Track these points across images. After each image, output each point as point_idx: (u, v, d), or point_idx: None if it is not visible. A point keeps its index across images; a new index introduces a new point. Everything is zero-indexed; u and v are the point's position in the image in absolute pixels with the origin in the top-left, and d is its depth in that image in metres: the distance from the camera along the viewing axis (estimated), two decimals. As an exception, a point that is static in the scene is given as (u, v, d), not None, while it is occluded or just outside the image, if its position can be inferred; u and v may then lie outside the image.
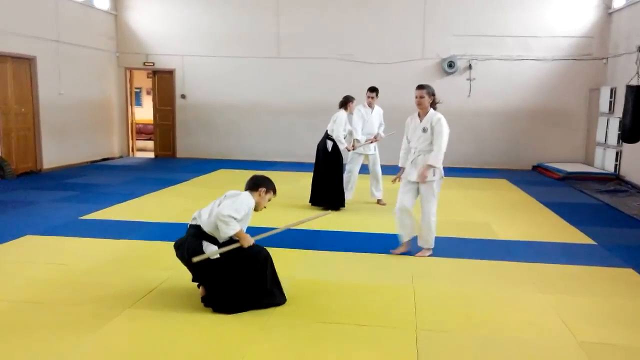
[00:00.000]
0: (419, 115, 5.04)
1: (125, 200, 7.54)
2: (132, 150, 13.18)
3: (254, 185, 3.85)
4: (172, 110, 12.78)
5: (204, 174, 10.33)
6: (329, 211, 5.22)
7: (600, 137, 11.26)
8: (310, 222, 6.27)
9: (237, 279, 3.66)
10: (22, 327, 3.43)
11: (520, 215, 7.19)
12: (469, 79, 12.21)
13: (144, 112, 14.59)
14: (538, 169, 12.03)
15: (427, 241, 5.09)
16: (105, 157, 12.25)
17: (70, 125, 10.97)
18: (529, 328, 3.57)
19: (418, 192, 5.06)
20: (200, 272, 3.69)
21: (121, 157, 12.84)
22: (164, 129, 12.94)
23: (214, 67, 12.50)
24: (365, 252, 5.25)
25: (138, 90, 15.37)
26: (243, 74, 12.47)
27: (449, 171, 11.41)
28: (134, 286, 4.13)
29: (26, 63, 9.86)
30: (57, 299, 3.90)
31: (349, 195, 7.58)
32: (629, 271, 4.82)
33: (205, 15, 12.44)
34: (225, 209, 3.58)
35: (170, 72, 12.66)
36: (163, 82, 12.80)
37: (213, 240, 3.65)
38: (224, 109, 12.63)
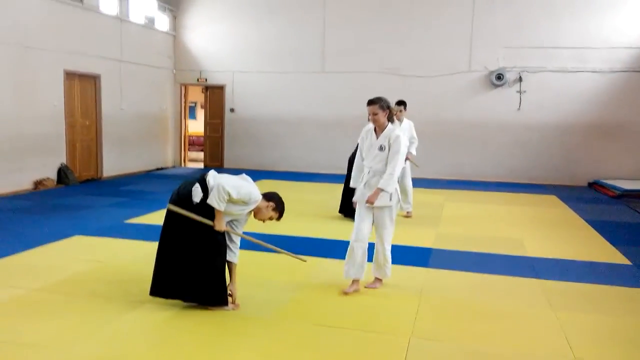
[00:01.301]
0: (375, 130, 4.41)
1: (169, 207, 7.98)
2: (184, 161, 13.91)
3: (270, 197, 3.92)
4: (221, 123, 13.40)
5: (248, 184, 10.71)
6: (307, 259, 4.51)
7: (662, 153, 10.66)
8: (328, 231, 6.49)
9: (190, 262, 3.75)
10: (47, 313, 3.81)
11: (557, 232, 6.97)
12: (519, 92, 11.93)
13: (198, 125, 15.32)
14: (594, 186, 11.52)
15: (384, 272, 4.48)
16: (160, 166, 13.00)
17: (128, 137, 11.75)
18: (527, 343, 3.53)
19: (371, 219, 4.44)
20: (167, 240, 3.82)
21: (174, 167, 13.57)
22: (213, 141, 13.58)
23: (261, 83, 12.97)
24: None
25: (193, 104, 16.19)
26: (289, 89, 12.85)
27: (496, 186, 11.40)
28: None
29: (92, 80, 10.71)
30: (86, 291, 4.29)
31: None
32: (657, 293, 4.61)
33: (254, 33, 12.97)
34: (229, 184, 3.66)
35: (221, 88, 13.29)
36: (214, 96, 13.46)
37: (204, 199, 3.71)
38: (270, 122, 13.06)
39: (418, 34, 12.26)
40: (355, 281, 4.39)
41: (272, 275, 4.85)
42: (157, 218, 7.14)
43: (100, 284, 4.45)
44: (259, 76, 13.03)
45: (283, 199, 3.97)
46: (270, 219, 3.96)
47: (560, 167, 11.91)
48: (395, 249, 5.82)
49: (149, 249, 5.51)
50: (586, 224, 7.54)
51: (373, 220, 4.41)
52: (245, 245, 5.78)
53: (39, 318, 3.74)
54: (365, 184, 4.39)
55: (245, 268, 5.05)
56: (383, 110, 4.31)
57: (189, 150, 14.52)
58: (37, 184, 9.21)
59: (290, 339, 3.50)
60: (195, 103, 16.31)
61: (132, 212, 7.55)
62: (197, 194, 3.75)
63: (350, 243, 4.38)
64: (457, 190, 10.57)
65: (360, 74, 12.32)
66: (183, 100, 13.69)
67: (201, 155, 14.23)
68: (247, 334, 3.57)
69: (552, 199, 9.83)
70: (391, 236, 4.44)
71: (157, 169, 12.82)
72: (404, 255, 5.63)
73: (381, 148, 4.31)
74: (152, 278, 3.88)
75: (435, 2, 12.16)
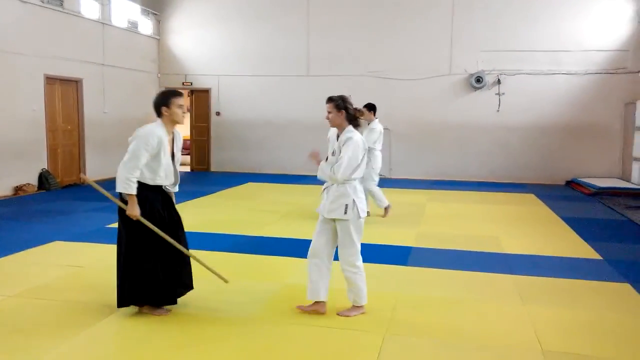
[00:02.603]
0: (338, 133, 3.94)
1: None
2: (170, 165, 13.86)
3: (156, 109, 3.76)
4: (207, 126, 13.46)
5: (233, 186, 10.80)
6: (229, 280, 4.22)
7: (637, 152, 10.94)
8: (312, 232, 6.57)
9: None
10: (21, 320, 3.84)
11: (533, 229, 7.16)
12: (498, 94, 12.17)
13: (184, 129, 15.28)
14: (571, 184, 11.79)
15: (356, 298, 3.90)
16: (144, 170, 12.96)
17: (112, 141, 11.71)
18: (497, 337, 3.66)
19: (335, 234, 3.91)
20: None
21: (159, 171, 13.54)
22: (199, 144, 13.63)
23: (247, 86, 13.07)
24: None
25: (179, 107, 16.18)
26: (274, 92, 12.95)
27: (477, 186, 11.61)
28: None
29: (73, 85, 10.70)
30: (63, 297, 4.29)
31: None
32: (625, 286, 4.77)
33: (239, 37, 13.08)
34: (128, 156, 3.57)
35: (207, 91, 13.37)
36: (200, 100, 13.53)
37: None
38: (256, 125, 13.14)
39: (400, 38, 12.45)
40: (316, 302, 3.92)
41: (250, 277, 4.93)
42: (139, 221, 7.20)
43: (77, 290, 4.45)
44: (244, 80, 13.11)
45: (166, 92, 3.88)
46: (181, 105, 3.80)
47: (538, 166, 12.16)
48: (375, 248, 6.00)
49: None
50: (561, 221, 7.74)
51: (332, 236, 3.92)
52: (226, 247, 5.91)
53: (11, 326, 3.73)
54: (324, 190, 3.96)
55: (222, 270, 5.14)
56: (338, 110, 3.83)
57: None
58: (17, 189, 9.18)
59: (265, 339, 3.57)
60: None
61: (114, 216, 7.45)
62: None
63: (308, 260, 3.95)
64: (440, 191, 10.75)
65: (344, 77, 12.47)
66: (167, 104, 13.67)
67: (187, 158, 14.23)
68: (222, 338, 3.60)
69: (530, 197, 10.05)
70: (354, 257, 3.83)
71: (141, 173, 12.80)
72: (383, 254, 5.77)
73: (333, 152, 3.86)
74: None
75: (417, 7, 12.37)
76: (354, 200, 3.78)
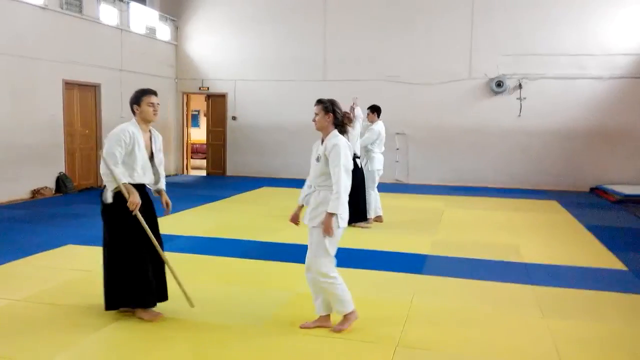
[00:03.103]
0: (322, 139, 3.75)
1: (164, 215, 7.98)
2: (187, 169, 13.94)
3: (130, 107, 3.81)
4: (223, 131, 13.46)
5: (247, 191, 10.73)
6: (195, 305, 3.99)
7: (664, 158, 10.58)
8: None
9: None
10: (27, 324, 3.79)
11: (555, 238, 6.91)
12: (519, 99, 11.90)
13: (201, 133, 15.39)
14: (596, 191, 11.44)
15: (340, 308, 3.65)
16: (162, 175, 13.01)
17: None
18: (514, 351, 3.48)
19: None
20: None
21: (176, 174, 13.61)
22: (215, 148, 13.64)
23: (263, 91, 13.02)
24: (369, 269, 5.30)
25: (197, 112, 16.25)
26: (290, 97, 12.88)
27: (497, 192, 11.35)
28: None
29: (92, 90, 10.78)
30: (70, 301, 4.24)
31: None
32: (651, 298, 4.54)
33: (255, 42, 13.05)
34: (106, 154, 3.61)
35: (223, 96, 13.37)
36: (216, 105, 13.53)
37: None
38: (271, 129, 13.08)
39: (418, 42, 12.28)
40: (320, 317, 3.76)
41: (260, 284, 4.82)
42: (152, 226, 7.16)
43: (85, 294, 4.40)
44: (260, 84, 13.08)
45: (138, 90, 3.87)
46: (151, 103, 3.79)
47: (562, 172, 11.84)
48: (389, 256, 5.86)
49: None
50: (585, 229, 7.47)
51: None
52: (237, 253, 5.81)
53: (18, 329, 3.69)
54: (305, 197, 3.82)
55: (233, 276, 5.06)
56: (326, 112, 3.65)
57: (192, 158, 14.62)
58: (35, 192, 9.25)
59: (271, 350, 3.45)
60: (199, 111, 16.39)
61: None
62: (106, 195, 3.73)
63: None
64: (458, 197, 10.53)
65: (361, 82, 12.32)
66: (185, 108, 13.77)
67: (204, 163, 14.29)
68: (227, 346, 3.51)
69: (553, 204, 9.77)
70: (328, 267, 3.59)
71: (158, 177, 12.85)
72: (397, 261, 5.62)
73: (317, 159, 3.65)
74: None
75: (436, 10, 12.19)
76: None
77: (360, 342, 3.56)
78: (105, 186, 3.72)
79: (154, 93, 3.87)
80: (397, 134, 12.47)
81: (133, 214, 3.65)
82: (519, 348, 3.52)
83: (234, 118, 13.36)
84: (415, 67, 12.34)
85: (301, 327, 3.72)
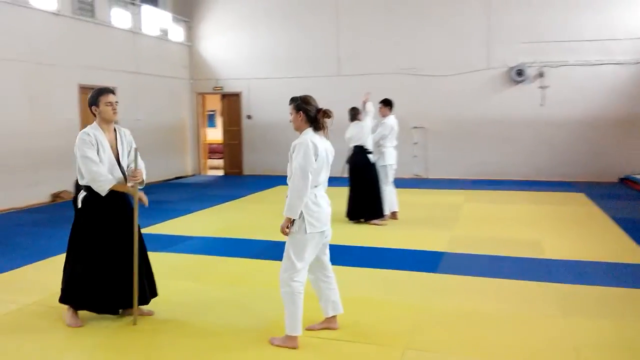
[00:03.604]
0: None
1: (180, 216, 7.97)
2: (204, 169, 13.93)
3: (89, 109, 3.76)
4: (239, 130, 13.40)
5: (263, 190, 10.65)
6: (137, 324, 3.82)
7: (697, 145, 10.09)
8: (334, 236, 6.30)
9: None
10: (37, 327, 3.76)
11: (580, 232, 6.61)
12: (541, 87, 11.51)
13: (218, 133, 15.37)
14: (625, 181, 11.00)
15: (286, 323, 3.34)
16: (179, 175, 13.06)
17: (146, 147, 11.72)
18: (531, 353, 3.27)
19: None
20: None
21: (193, 175, 13.62)
22: (232, 148, 13.59)
23: (277, 89, 12.87)
24: (381, 268, 5.13)
25: (213, 112, 16.24)
26: (304, 94, 12.70)
27: (520, 185, 11.00)
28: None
29: (107, 92, 10.81)
30: None
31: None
32: (682, 295, 4.26)
33: (268, 40, 12.95)
34: (81, 163, 3.62)
35: (237, 95, 13.31)
36: (231, 104, 13.48)
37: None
38: (286, 128, 12.71)
39: (433, 32, 12.00)
40: (326, 319, 3.62)
41: (273, 285, 4.69)
42: (165, 227, 7.13)
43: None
44: (274, 82, 12.97)
45: (95, 90, 3.79)
46: (109, 103, 3.72)
47: (588, 163, 11.41)
48: (404, 253, 5.69)
49: (153, 259, 5.47)
50: (613, 222, 7.14)
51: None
52: (252, 253, 5.71)
53: (27, 333, 3.68)
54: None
55: (247, 276, 4.95)
56: (297, 111, 3.44)
57: (210, 157, 14.62)
58: (55, 196, 9.34)
59: (283, 351, 3.33)
60: (215, 111, 16.38)
61: (145, 221, 7.44)
62: (78, 200, 3.74)
63: None
64: (478, 191, 10.25)
65: (377, 75, 12.11)
66: (200, 109, 13.76)
67: (220, 162, 14.27)
68: (236, 347, 3.42)
69: (579, 196, 9.40)
70: (288, 274, 3.33)
71: (176, 178, 12.89)
72: (411, 259, 5.45)
73: (290, 158, 3.38)
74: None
75: (449, -1, 11.89)
76: (301, 212, 3.29)
77: (369, 345, 3.41)
78: (78, 191, 3.73)
79: (112, 92, 3.80)
80: (415, 127, 12.21)
81: (146, 205, 3.80)
82: (536, 350, 3.32)
83: (249, 117, 13.29)
84: (432, 59, 12.06)
85: (307, 329, 3.56)
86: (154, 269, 4.04)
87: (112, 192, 3.67)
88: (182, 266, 5.31)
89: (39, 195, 9.14)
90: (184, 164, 13.46)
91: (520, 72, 11.50)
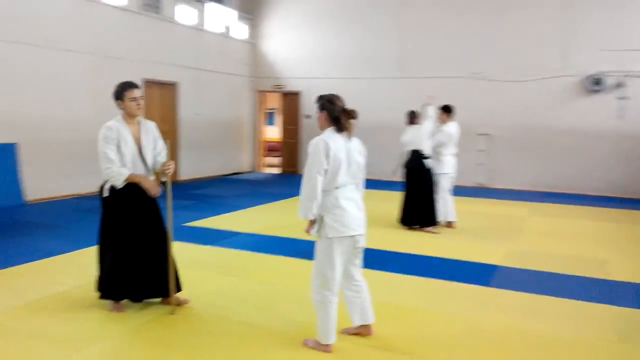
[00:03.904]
0: None
1: (230, 211, 8.00)
2: (261, 166, 14.03)
3: (115, 102, 3.77)
4: (297, 129, 13.38)
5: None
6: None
7: None
8: (382, 242, 6.05)
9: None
10: (80, 309, 3.83)
11: (654, 254, 5.99)
12: (621, 98, 10.66)
13: (274, 131, 15.49)
14: None
15: (318, 332, 3.24)
16: (235, 171, 13.22)
17: (205, 142, 12.05)
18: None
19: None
20: None
21: (250, 172, 13.74)
22: (289, 146, 13.61)
23: (336, 89, 12.35)
24: (427, 277, 4.87)
25: (273, 110, 16.36)
26: (365, 95, 12.48)
27: (591, 200, 10.23)
28: (187, 286, 4.25)
29: (170, 88, 11.13)
30: None
31: None
32: None
33: (330, 40, 12.85)
34: (100, 154, 3.69)
35: (297, 94, 13.31)
36: (290, 103, 13.51)
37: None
38: (345, 128, 12.75)
39: (505, 35, 11.44)
40: (357, 327, 3.46)
41: (304, 284, 4.53)
42: (214, 222, 7.16)
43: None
44: (334, 82, 12.80)
45: (120, 85, 3.81)
46: (134, 98, 3.73)
47: (669, 181, 10.45)
48: (454, 264, 5.37)
49: (195, 252, 5.49)
50: (696, 246, 6.43)
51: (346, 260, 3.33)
52: (295, 252, 5.60)
53: (70, 314, 3.80)
54: None
55: (286, 275, 4.83)
56: (320, 110, 3.34)
57: (268, 155, 14.71)
58: (115, 185, 9.65)
59: (313, 354, 3.20)
60: (275, 109, 16.50)
61: (195, 215, 7.60)
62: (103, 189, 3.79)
63: None
64: (546, 204, 9.63)
65: (441, 79, 11.69)
66: (260, 106, 13.87)
67: (278, 161, 14.32)
68: (264, 346, 3.32)
69: (657, 216, 8.59)
70: (317, 280, 3.22)
71: (233, 174, 13.05)
72: (462, 271, 5.14)
73: None
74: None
75: (524, 1, 11.28)
76: (321, 216, 3.18)
77: (400, 355, 3.21)
78: (105, 181, 3.78)
79: (136, 87, 3.81)
80: (481, 134, 11.69)
81: (155, 195, 3.77)
82: None
83: (307, 116, 13.25)
84: (501, 63, 11.50)
85: (342, 332, 3.42)
86: (196, 261, 4.04)
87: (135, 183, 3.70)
88: (222, 261, 5.28)
89: (98, 184, 9.44)
90: (241, 161, 13.62)
91: (597, 81, 10.71)
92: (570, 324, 3.81)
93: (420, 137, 6.87)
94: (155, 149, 3.88)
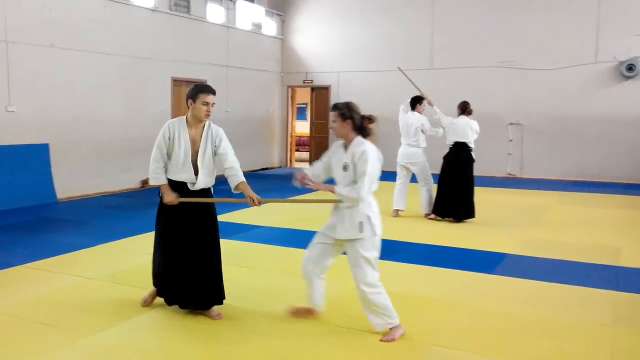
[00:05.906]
0: (345, 145, 3.48)
1: (251, 206, 8.14)
2: (291, 161, 14.24)
3: (186, 101, 3.68)
4: (326, 123, 13.44)
5: (341, 184, 10.60)
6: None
7: None
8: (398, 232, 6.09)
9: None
10: (92, 300, 4.10)
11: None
12: (656, 83, 10.26)
13: (305, 125, 15.54)
14: None
15: (378, 322, 3.36)
16: (265, 166, 13.46)
17: (234, 138, 12.12)
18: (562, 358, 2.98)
19: (335, 252, 3.55)
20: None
21: (280, 167, 13.98)
22: (318, 141, 13.72)
23: (367, 82, 12.75)
24: (434, 266, 4.96)
25: (304, 105, 16.49)
26: (395, 87, 12.44)
27: (623, 188, 9.90)
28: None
29: (199, 85, 11.44)
30: (136, 282, 4.40)
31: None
32: None
33: (360, 33, 12.87)
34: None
35: (326, 88, 13.43)
36: (320, 97, 13.63)
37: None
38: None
39: (536, 22, 11.20)
40: (310, 308, 3.64)
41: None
42: (234, 216, 7.19)
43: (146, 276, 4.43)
44: (364, 75, 12.87)
45: (196, 85, 3.73)
46: (206, 103, 3.62)
47: None
48: (463, 253, 5.42)
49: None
50: None
51: (330, 254, 3.54)
52: (294, 243, 5.75)
53: (86, 305, 3.94)
54: (335, 208, 3.49)
55: (293, 266, 4.93)
56: (343, 119, 3.36)
57: (298, 150, 14.85)
58: (144, 183, 10.01)
59: (310, 340, 3.36)
60: (306, 104, 16.62)
61: (220, 209, 7.75)
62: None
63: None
64: (575, 193, 9.46)
65: (471, 69, 11.60)
66: (290, 102, 14.08)
67: (307, 155, 14.46)
68: (271, 335, 3.49)
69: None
70: (371, 277, 3.34)
71: (263, 169, 13.30)
72: (470, 260, 5.23)
73: (345, 167, 3.37)
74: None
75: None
76: (368, 216, 3.32)
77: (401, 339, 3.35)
78: None
79: (213, 92, 3.68)
80: (511, 124, 11.51)
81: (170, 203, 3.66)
82: (570, 356, 3.07)
83: (336, 110, 13.34)
84: (532, 51, 11.26)
85: (290, 311, 3.66)
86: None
87: (178, 185, 3.69)
88: (240, 252, 5.39)
89: (130, 181, 9.84)
90: (271, 156, 13.87)
91: (631, 67, 10.37)
92: (566, 308, 3.86)
93: (457, 129, 6.97)
94: (216, 154, 3.79)
